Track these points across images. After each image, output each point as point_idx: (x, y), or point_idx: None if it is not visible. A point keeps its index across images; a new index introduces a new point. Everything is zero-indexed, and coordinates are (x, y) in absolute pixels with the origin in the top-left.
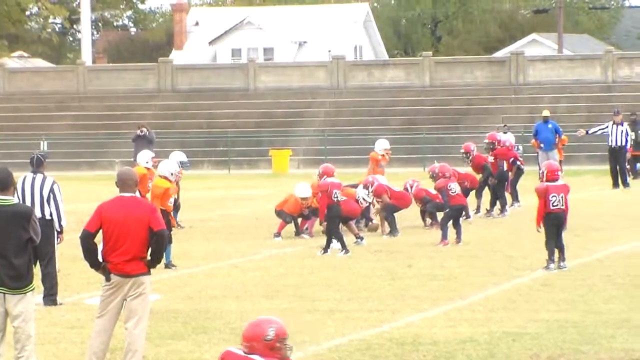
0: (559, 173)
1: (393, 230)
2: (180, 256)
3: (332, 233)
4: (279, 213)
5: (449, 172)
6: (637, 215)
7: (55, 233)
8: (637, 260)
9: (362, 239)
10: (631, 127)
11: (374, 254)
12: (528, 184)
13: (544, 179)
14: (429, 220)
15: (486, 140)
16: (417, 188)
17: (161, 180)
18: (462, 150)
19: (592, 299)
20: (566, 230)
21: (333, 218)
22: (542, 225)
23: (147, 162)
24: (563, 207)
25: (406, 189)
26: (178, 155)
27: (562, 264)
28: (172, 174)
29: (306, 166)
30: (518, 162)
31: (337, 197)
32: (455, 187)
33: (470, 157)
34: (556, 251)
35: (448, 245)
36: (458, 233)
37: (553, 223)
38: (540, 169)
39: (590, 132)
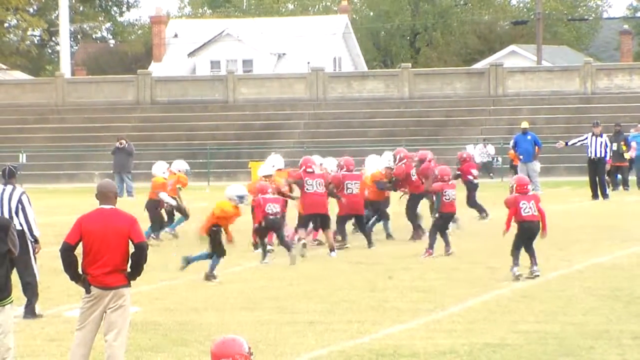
0: (529, 187)
1: (343, 239)
2: (160, 268)
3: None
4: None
5: (449, 176)
6: (616, 227)
7: (29, 243)
8: (616, 271)
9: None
10: (614, 138)
11: (354, 265)
12: (502, 195)
13: (514, 191)
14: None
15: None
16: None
17: (226, 203)
18: (416, 158)
19: (571, 311)
20: (545, 237)
21: (262, 230)
22: (508, 231)
23: (163, 173)
24: (536, 214)
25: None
26: (179, 164)
27: (534, 268)
28: (231, 199)
29: None
30: (470, 177)
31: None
32: (450, 194)
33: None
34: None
35: (433, 256)
36: (447, 242)
37: (526, 233)
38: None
39: (569, 143)
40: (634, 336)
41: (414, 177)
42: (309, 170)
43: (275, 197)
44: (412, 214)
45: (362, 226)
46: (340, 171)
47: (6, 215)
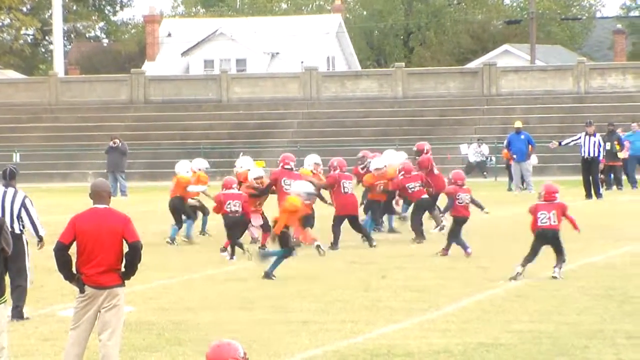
0: (557, 195)
1: (335, 241)
2: (155, 268)
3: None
4: None
5: (462, 180)
6: (609, 227)
7: (26, 247)
8: (610, 271)
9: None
10: (607, 137)
11: (348, 264)
12: (496, 195)
13: (541, 198)
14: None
15: (415, 149)
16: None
17: (296, 199)
18: (415, 149)
19: (565, 310)
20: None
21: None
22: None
23: (187, 172)
24: (554, 223)
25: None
26: (199, 162)
27: (554, 268)
28: (299, 195)
29: None
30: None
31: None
32: (464, 198)
33: (419, 159)
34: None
35: (470, 252)
36: (448, 245)
37: (540, 240)
38: (512, 180)
39: (563, 143)
40: (628, 335)
41: (413, 190)
42: (287, 167)
43: (237, 194)
44: (416, 222)
45: (357, 226)
46: (333, 172)
47: (7, 218)
